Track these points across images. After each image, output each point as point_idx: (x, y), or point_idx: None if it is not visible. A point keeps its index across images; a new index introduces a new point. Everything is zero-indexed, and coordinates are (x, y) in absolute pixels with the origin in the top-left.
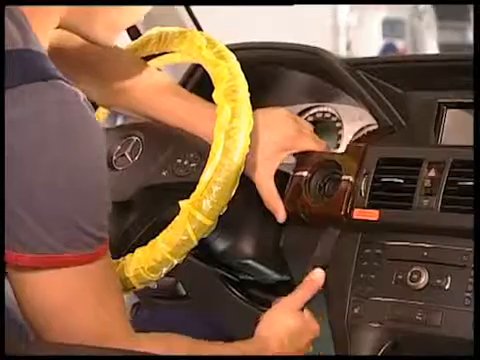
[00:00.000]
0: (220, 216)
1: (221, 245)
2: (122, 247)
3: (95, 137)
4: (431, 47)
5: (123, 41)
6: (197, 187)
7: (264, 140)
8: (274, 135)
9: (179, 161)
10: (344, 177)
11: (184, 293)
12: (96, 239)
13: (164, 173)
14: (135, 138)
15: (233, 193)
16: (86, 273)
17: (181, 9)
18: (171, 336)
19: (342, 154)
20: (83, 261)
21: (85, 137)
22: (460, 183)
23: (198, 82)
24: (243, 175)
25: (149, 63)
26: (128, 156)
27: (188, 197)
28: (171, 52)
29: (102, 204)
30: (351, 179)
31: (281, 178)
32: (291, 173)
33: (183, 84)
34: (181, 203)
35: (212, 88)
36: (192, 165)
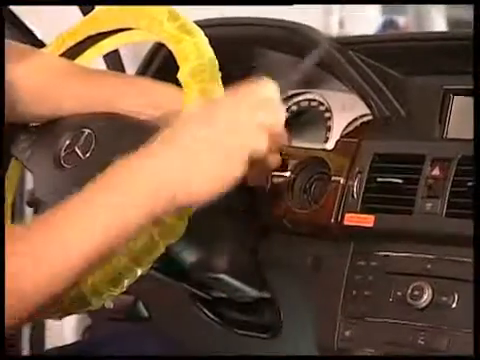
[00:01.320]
0: (189, 222)
1: (190, 257)
2: None
3: None
4: (438, 24)
5: None
6: None
7: None
8: None
9: None
10: (333, 177)
11: (146, 314)
12: None
13: None
14: (87, 131)
15: None
16: None
17: None
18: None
19: (331, 150)
20: None
21: None
22: (469, 184)
23: (161, 65)
24: None
25: (100, 44)
26: (79, 152)
27: None
28: (128, 29)
29: None
30: (342, 180)
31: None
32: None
33: (144, 68)
34: None
35: (177, 69)
36: None
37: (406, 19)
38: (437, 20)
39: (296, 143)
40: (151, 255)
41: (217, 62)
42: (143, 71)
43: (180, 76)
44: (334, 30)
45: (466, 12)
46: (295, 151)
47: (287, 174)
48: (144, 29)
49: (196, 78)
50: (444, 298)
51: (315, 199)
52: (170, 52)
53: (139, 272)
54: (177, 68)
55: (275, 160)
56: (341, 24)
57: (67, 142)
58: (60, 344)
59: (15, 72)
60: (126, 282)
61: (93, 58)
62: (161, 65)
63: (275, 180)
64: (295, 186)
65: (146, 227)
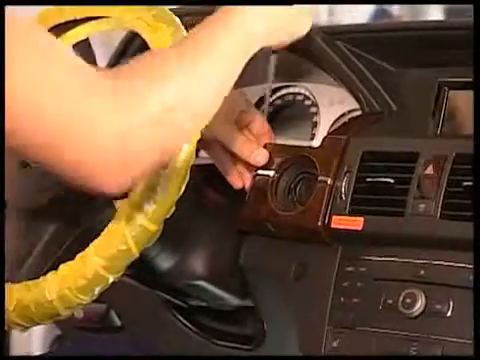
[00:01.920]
0: (165, 224)
1: (165, 262)
2: (42, 264)
3: None
4: (435, 13)
5: None
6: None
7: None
8: None
9: None
10: (320, 177)
11: (118, 323)
12: None
13: None
14: None
15: (182, 190)
16: None
17: None
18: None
19: (317, 148)
20: None
21: None
22: (465, 183)
23: (135, 55)
24: (192, 169)
25: (70, 33)
26: None
27: (126, 196)
28: (99, 18)
29: None
30: (329, 180)
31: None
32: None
33: (117, 58)
34: (117, 203)
35: None
36: None
37: (400, 8)
38: (433, 9)
39: (280, 140)
40: (124, 261)
41: None
42: (116, 61)
43: None
44: (323, 18)
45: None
46: (279, 149)
47: (270, 173)
48: (118, 17)
49: None
50: (438, 306)
51: (300, 200)
52: (145, 42)
53: (111, 279)
54: None
55: None
56: (331, 12)
57: None
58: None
59: None
60: (97, 290)
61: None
62: (135, 55)
63: (257, 180)
64: (279, 186)
65: (119, 231)
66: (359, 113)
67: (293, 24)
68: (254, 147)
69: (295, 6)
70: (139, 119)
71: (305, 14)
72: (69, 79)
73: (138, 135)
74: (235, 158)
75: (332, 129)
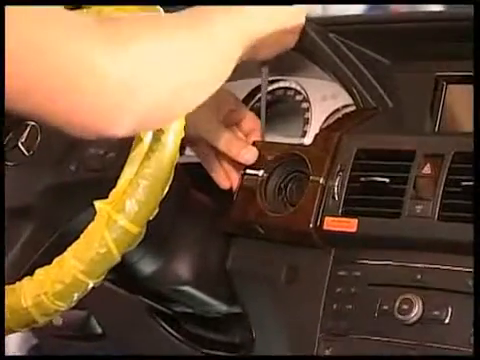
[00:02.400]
0: (148, 226)
1: (148, 266)
2: (19, 267)
3: None
4: (433, 5)
5: None
6: (118, 182)
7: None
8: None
9: (92, 151)
10: (312, 177)
11: (99, 331)
12: None
13: (72, 167)
14: (31, 123)
15: (166, 190)
16: None
17: None
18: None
19: (309, 146)
20: None
21: None
22: (464, 183)
23: None
24: (177, 168)
25: None
26: (22, 148)
27: (106, 197)
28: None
29: None
30: (321, 179)
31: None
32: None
33: None
34: (97, 204)
35: None
36: (110, 155)
37: None
38: None
39: (269, 137)
40: (104, 265)
41: None
42: None
43: None
44: (317, 9)
45: None
46: (268, 147)
47: (259, 173)
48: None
49: None
50: (436, 312)
51: (291, 201)
52: None
53: (91, 284)
54: None
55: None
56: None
57: (9, 135)
58: None
59: None
60: (76, 296)
61: None
62: None
63: (246, 179)
64: (268, 186)
65: (99, 233)
66: (353, 109)
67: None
68: (242, 145)
69: (295, 6)
70: (135, 57)
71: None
72: (58, 24)
73: (134, 73)
74: (222, 156)
75: (324, 126)
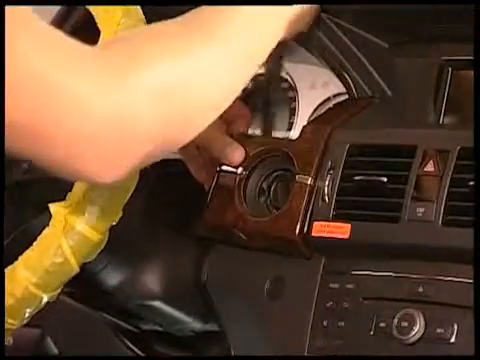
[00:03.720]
0: (111, 232)
1: (112, 278)
2: None
3: None
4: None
5: None
6: (76, 184)
7: None
8: None
9: None
10: (299, 176)
11: (56, 351)
12: None
13: (25, 165)
14: None
15: (131, 191)
16: None
17: None
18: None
19: (295, 140)
20: None
21: None
22: (472, 182)
23: (77, 26)
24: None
25: None
26: None
27: (63, 199)
28: None
29: None
30: (309, 178)
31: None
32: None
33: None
34: (52, 207)
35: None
36: None
37: None
38: None
39: (250, 130)
40: (60, 276)
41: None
42: None
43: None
44: None
45: None
46: (248, 140)
47: (238, 170)
48: None
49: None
50: (440, 330)
51: (274, 203)
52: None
53: (45, 298)
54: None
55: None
56: None
57: None
58: None
59: None
60: (28, 312)
61: None
62: (76, 27)
63: (222, 177)
64: (248, 186)
65: (55, 240)
66: (345, 98)
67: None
68: (226, 141)
69: (295, 6)
70: (134, 90)
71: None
72: (54, 61)
73: (134, 109)
74: (204, 150)
75: (313, 117)
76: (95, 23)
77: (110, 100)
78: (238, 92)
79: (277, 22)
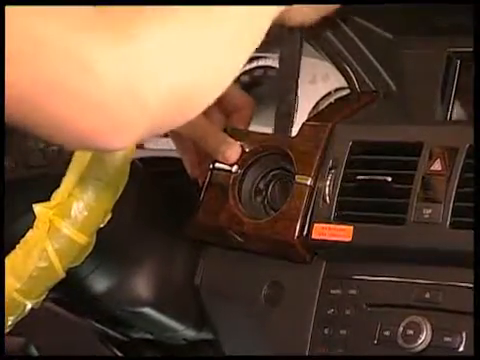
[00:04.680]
0: (99, 234)
1: (100, 283)
2: None
3: None
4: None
5: None
6: (63, 181)
7: None
8: None
9: (31, 145)
10: (298, 175)
11: None
12: None
13: (12, 164)
14: None
15: (120, 191)
16: None
17: None
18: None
19: (295, 137)
20: None
21: None
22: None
23: None
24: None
25: None
26: None
27: (48, 199)
28: None
29: None
30: (309, 178)
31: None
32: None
33: None
34: (36, 207)
35: None
36: (53, 149)
37: None
38: None
39: (258, 126)
40: (45, 282)
41: None
42: None
43: None
44: None
45: None
46: (244, 137)
47: (233, 168)
48: None
49: None
50: (448, 338)
51: (273, 204)
52: None
53: (29, 305)
54: None
55: None
56: None
57: None
58: None
59: None
60: (11, 319)
61: None
62: None
63: (215, 175)
64: (244, 186)
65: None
66: (348, 93)
67: None
68: (221, 137)
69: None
70: (142, 42)
71: None
72: (53, 21)
73: (144, 61)
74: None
75: (313, 113)
76: None
77: (117, 54)
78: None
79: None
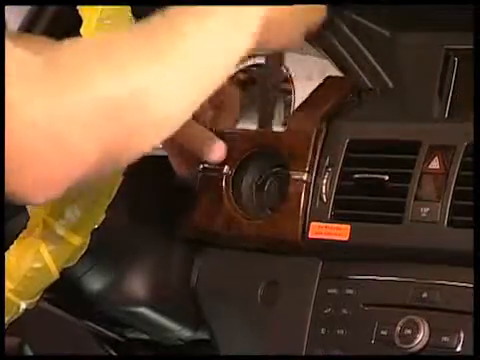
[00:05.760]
0: (93, 235)
1: (95, 283)
2: None
3: None
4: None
5: None
6: None
7: None
8: None
9: None
10: (294, 174)
11: None
12: None
13: None
14: None
15: (115, 191)
16: None
17: None
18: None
19: (283, 133)
20: None
21: None
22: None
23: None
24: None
25: None
26: None
27: None
28: None
29: None
30: (305, 176)
31: None
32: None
33: (28, 25)
34: (30, 208)
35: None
36: None
37: None
38: None
39: (244, 124)
40: (40, 283)
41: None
42: (29, 27)
43: (83, 31)
44: None
45: None
46: (241, 135)
47: (224, 169)
48: None
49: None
50: (445, 338)
51: (269, 204)
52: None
53: (23, 306)
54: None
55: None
56: None
57: None
58: None
59: None
60: (6, 319)
61: None
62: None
63: (206, 175)
64: (238, 186)
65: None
66: (326, 77)
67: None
68: (206, 137)
69: (295, 6)
70: (71, 109)
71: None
72: None
73: (69, 127)
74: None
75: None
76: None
77: (46, 111)
78: (196, 104)
79: (244, 33)
